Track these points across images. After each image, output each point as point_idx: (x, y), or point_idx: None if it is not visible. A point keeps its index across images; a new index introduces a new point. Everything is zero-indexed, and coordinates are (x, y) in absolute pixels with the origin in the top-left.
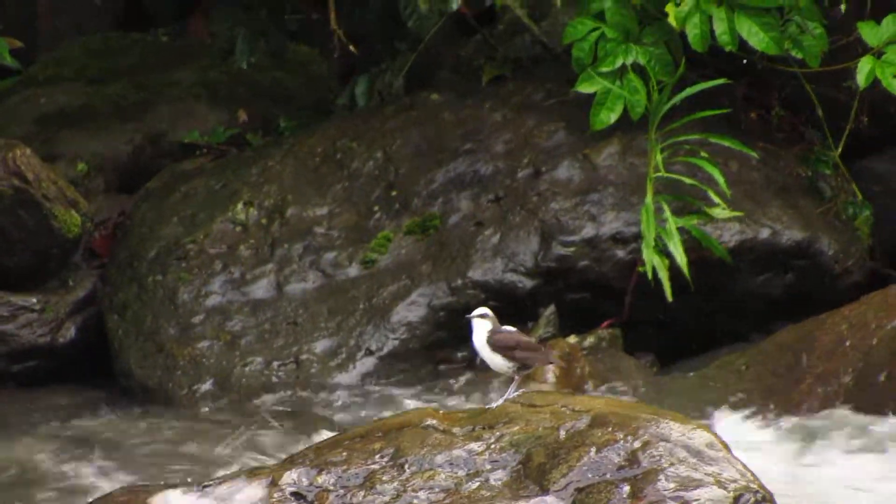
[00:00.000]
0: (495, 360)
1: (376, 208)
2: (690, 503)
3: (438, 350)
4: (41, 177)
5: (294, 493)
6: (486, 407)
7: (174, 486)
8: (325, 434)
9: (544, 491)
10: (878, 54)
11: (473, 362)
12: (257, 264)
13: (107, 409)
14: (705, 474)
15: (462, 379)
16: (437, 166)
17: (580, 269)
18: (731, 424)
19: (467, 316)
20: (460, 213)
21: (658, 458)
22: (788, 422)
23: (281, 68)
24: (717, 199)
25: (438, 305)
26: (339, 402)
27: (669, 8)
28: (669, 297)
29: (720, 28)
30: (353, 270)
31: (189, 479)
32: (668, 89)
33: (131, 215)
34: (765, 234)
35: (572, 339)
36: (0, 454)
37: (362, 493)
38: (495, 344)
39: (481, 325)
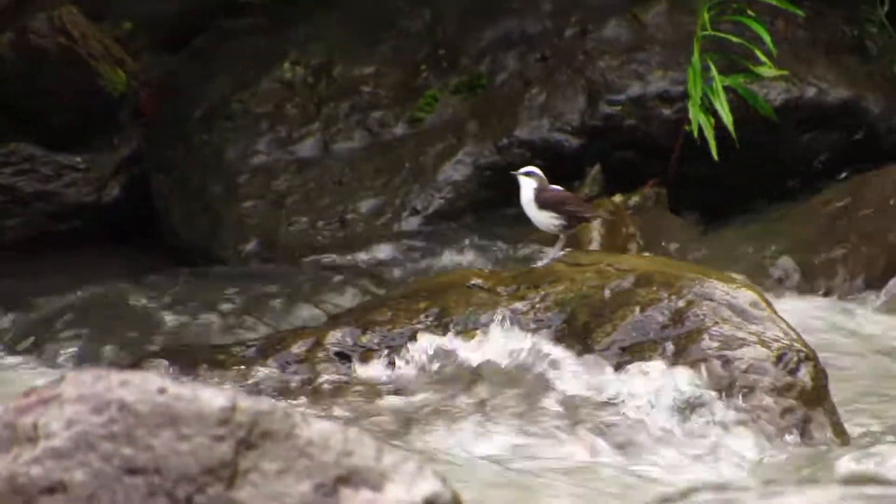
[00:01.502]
0: (541, 218)
1: (423, 67)
2: (734, 362)
3: (484, 209)
4: (87, 35)
5: (338, 353)
6: (532, 266)
7: (216, 345)
8: (371, 294)
9: (589, 350)
10: None
11: (520, 221)
12: (304, 123)
13: (152, 269)
14: (749, 333)
15: (508, 238)
16: (484, 25)
17: (626, 128)
18: (774, 284)
19: (512, 172)
20: (507, 71)
21: (702, 317)
22: (833, 280)
23: None
24: (763, 58)
25: (484, 164)
26: (384, 262)
27: None
28: (715, 156)
29: None
30: (400, 129)
31: (233, 339)
32: None
33: (177, 74)
34: (811, 92)
35: (618, 198)
36: (48, 310)
37: (408, 352)
38: (543, 201)
39: (528, 183)
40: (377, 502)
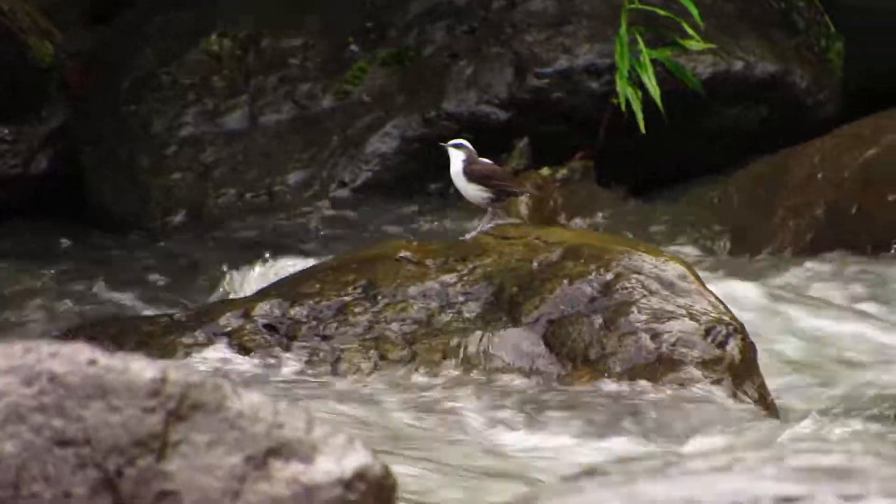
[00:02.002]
0: (470, 191)
1: (351, 40)
2: (662, 335)
3: (411, 182)
4: (15, 7)
5: (267, 325)
6: (460, 239)
7: (144, 317)
8: (299, 266)
9: (516, 323)
10: None
11: (448, 194)
12: (231, 96)
13: (80, 241)
14: (677, 306)
15: (436, 211)
16: None
17: (554, 100)
18: (702, 257)
19: (442, 144)
20: (435, 44)
21: (630, 290)
22: (760, 254)
23: None
24: (691, 31)
25: (412, 137)
26: (313, 235)
27: None
28: (643, 129)
29: None
30: (328, 102)
31: (160, 310)
32: None
33: (106, 46)
34: (738, 66)
35: (545, 171)
36: None
37: (335, 325)
38: (471, 173)
39: (457, 155)
40: (307, 474)
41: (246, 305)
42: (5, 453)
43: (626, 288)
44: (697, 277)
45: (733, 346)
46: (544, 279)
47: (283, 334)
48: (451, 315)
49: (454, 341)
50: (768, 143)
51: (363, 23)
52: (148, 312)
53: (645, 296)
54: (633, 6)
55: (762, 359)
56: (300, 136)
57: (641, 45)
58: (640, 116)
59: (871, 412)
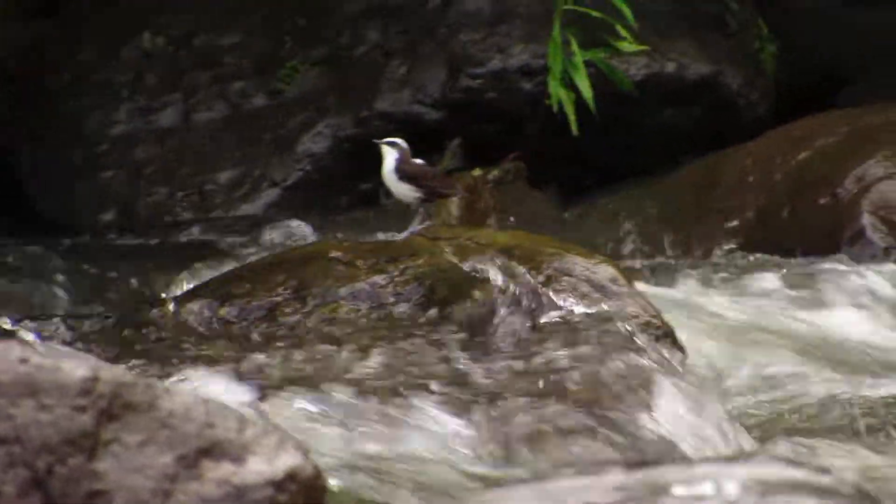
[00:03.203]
0: (401, 190)
1: (285, 38)
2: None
3: (343, 182)
4: None
5: (196, 325)
6: (391, 240)
7: (79, 315)
8: (229, 265)
9: (447, 324)
10: None
11: (380, 194)
12: (164, 93)
13: (14, 239)
14: (608, 309)
15: (367, 211)
16: None
17: (487, 101)
18: (634, 259)
19: (375, 141)
20: (368, 43)
21: (562, 292)
22: (691, 256)
23: None
24: (624, 33)
25: (344, 136)
26: (244, 233)
27: None
28: (575, 131)
29: None
30: (261, 101)
31: (92, 309)
32: None
33: (43, 43)
34: (671, 67)
35: (477, 171)
36: None
37: (265, 325)
38: (403, 173)
39: (391, 154)
40: (238, 474)
41: (177, 304)
42: None
43: (558, 290)
44: (628, 279)
45: (664, 349)
46: (475, 281)
47: (213, 334)
48: (381, 316)
49: (384, 342)
50: (701, 144)
51: (296, 21)
52: (79, 311)
53: (576, 298)
54: (566, 7)
55: (691, 361)
56: (233, 134)
57: (575, 46)
58: (572, 118)
59: (798, 416)
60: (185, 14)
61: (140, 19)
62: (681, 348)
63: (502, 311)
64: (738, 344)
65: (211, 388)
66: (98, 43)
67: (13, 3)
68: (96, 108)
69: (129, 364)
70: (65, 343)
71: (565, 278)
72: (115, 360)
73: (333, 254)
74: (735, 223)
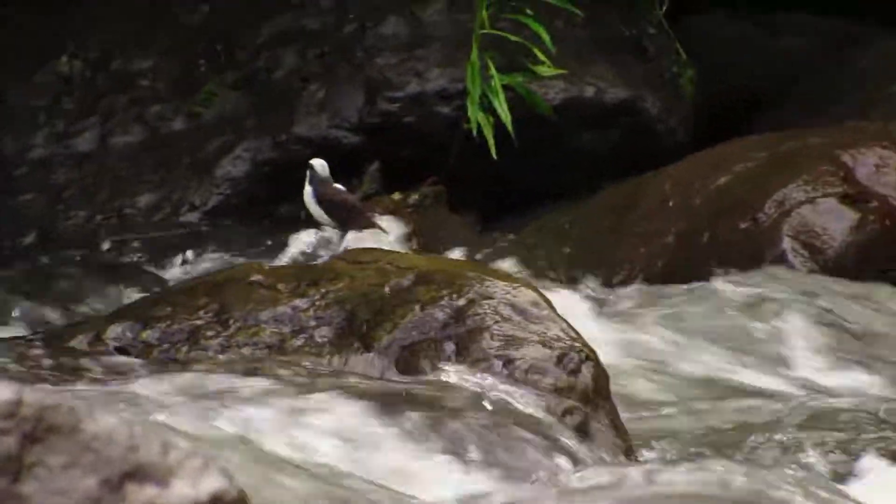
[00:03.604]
0: (321, 214)
1: (201, 62)
2: (515, 361)
3: (262, 205)
4: None
5: (118, 349)
6: (312, 263)
7: None
8: (150, 289)
9: (368, 349)
10: None
11: (299, 218)
12: (81, 117)
13: None
14: (530, 333)
15: (288, 235)
16: (262, 20)
17: (405, 125)
18: (554, 283)
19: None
20: (285, 67)
21: (483, 316)
22: (610, 281)
23: None
24: (542, 57)
25: (262, 160)
26: (163, 257)
27: None
28: (494, 155)
29: None
30: (178, 124)
31: (11, 333)
32: None
33: None
34: (589, 91)
35: (396, 196)
36: None
37: (186, 348)
38: (321, 197)
39: (311, 178)
40: (163, 498)
41: (98, 328)
42: None
43: (479, 314)
44: (549, 304)
45: (586, 374)
46: (396, 305)
47: (134, 357)
48: (303, 339)
49: (306, 367)
50: (620, 168)
51: (213, 44)
52: None
53: (497, 322)
54: (484, 31)
55: (614, 386)
56: (150, 157)
57: (493, 70)
58: (491, 142)
59: (720, 442)
60: (102, 35)
61: (57, 43)
62: (604, 372)
63: (423, 334)
64: (658, 370)
65: (133, 411)
66: (10, 66)
67: None
68: (13, 132)
69: (52, 388)
70: None
71: (487, 301)
72: (37, 383)
73: (254, 277)
74: (655, 247)
